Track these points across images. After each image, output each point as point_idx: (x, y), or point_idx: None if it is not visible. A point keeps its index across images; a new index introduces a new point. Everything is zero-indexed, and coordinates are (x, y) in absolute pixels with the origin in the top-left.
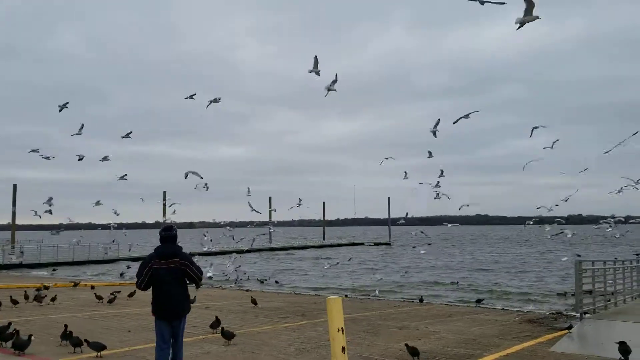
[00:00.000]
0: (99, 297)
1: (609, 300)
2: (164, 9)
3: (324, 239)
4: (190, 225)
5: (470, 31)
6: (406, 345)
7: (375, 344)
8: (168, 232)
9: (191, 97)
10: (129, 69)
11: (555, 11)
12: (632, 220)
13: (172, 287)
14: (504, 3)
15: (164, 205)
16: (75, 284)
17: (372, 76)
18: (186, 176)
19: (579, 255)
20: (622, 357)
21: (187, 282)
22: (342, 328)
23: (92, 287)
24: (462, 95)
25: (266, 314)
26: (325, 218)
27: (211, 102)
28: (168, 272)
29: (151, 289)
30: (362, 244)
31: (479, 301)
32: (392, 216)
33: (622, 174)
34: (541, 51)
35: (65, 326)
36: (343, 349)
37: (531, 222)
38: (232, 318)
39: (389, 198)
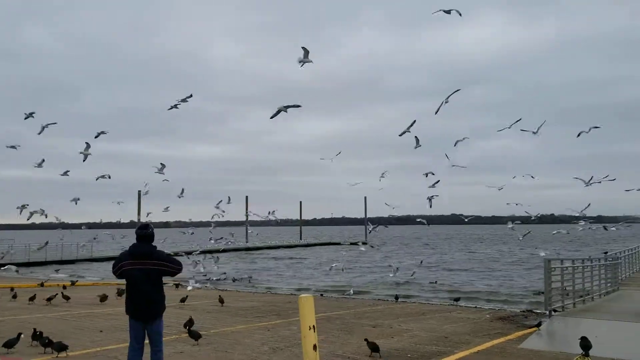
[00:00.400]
0: (66, 297)
1: (581, 297)
2: (140, 6)
3: (300, 238)
4: (166, 225)
5: (446, 32)
6: (366, 340)
7: (349, 342)
8: (144, 231)
9: (175, 107)
10: (105, 67)
11: (532, 13)
12: (627, 223)
13: (146, 287)
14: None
15: (139, 204)
16: (73, 283)
17: (348, 77)
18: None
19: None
20: (583, 352)
21: (170, 277)
22: (313, 326)
23: (64, 287)
24: (438, 96)
25: (241, 314)
26: (302, 218)
27: (181, 101)
28: (142, 272)
29: (125, 288)
30: (339, 244)
31: (456, 300)
32: (368, 216)
33: (601, 174)
34: (517, 53)
35: (34, 329)
36: (314, 347)
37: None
38: (206, 317)
39: (365, 198)
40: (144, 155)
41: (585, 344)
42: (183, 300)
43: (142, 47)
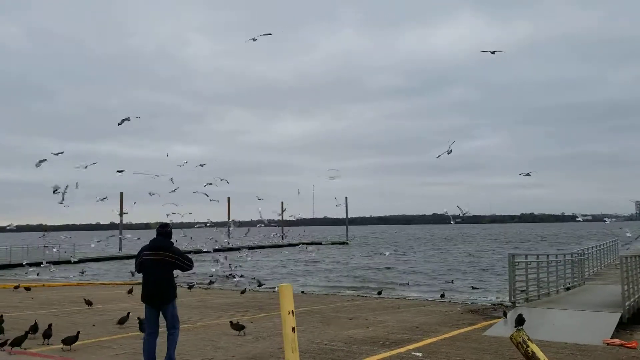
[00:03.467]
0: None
1: (545, 290)
2: (112, 3)
3: (282, 238)
4: (146, 226)
5: (422, 32)
6: (230, 322)
7: (326, 332)
8: (163, 229)
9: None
10: (75, 65)
11: (503, 14)
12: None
13: (158, 276)
14: None
15: (121, 206)
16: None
17: (324, 76)
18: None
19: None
20: (517, 326)
21: (180, 271)
22: (292, 311)
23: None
24: (415, 96)
25: (226, 309)
26: (284, 218)
27: (124, 120)
28: (156, 263)
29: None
30: (320, 244)
31: (442, 295)
32: (349, 216)
33: (575, 176)
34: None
35: (35, 321)
36: (293, 329)
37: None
38: (193, 312)
39: (346, 198)
40: (120, 155)
41: (520, 319)
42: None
43: (114, 46)
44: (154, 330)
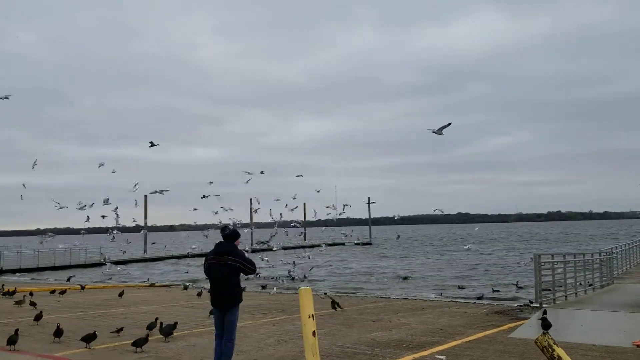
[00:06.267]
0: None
1: (573, 290)
2: (126, 8)
3: (305, 239)
4: (170, 228)
5: (437, 30)
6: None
7: (349, 334)
8: (224, 232)
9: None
10: (90, 70)
11: (520, 8)
12: None
13: (223, 280)
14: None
15: (146, 208)
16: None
17: (341, 76)
18: None
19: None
20: (544, 331)
21: (243, 274)
22: (312, 315)
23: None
24: (432, 94)
25: (248, 311)
26: (306, 219)
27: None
28: (220, 267)
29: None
30: (344, 244)
31: (479, 298)
32: (372, 216)
33: (603, 173)
34: (508, 48)
35: (57, 325)
36: (314, 333)
37: None
38: None
39: (369, 198)
40: (138, 159)
41: (546, 324)
42: (199, 294)
43: (125, 51)
44: (222, 333)
